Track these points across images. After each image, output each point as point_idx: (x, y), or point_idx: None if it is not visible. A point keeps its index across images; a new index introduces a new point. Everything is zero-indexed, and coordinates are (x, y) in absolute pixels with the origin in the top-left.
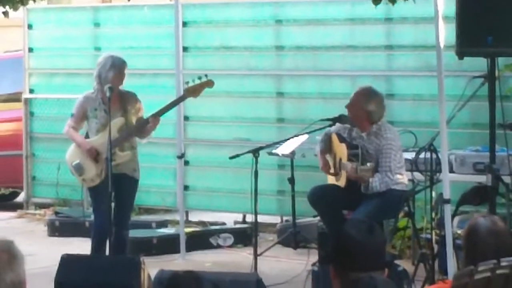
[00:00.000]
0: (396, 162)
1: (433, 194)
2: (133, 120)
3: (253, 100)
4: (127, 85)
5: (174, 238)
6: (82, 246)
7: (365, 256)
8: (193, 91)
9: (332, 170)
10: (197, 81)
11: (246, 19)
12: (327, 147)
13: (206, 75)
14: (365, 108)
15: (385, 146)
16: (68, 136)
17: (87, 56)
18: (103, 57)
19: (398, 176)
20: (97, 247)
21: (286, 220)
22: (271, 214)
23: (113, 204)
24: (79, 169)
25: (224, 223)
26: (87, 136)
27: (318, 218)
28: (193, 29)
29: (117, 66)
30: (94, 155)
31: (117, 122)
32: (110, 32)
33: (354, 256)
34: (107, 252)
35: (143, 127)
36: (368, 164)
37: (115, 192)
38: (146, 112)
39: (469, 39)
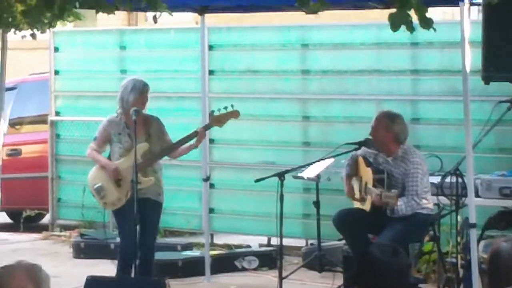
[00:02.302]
0: (423, 186)
1: (459, 218)
2: (157, 144)
3: (278, 123)
4: (152, 108)
5: (199, 261)
6: (107, 268)
7: (390, 278)
8: (218, 121)
9: (357, 196)
10: (223, 111)
11: (273, 42)
12: (353, 171)
13: (232, 105)
14: (390, 129)
15: (412, 170)
16: (91, 158)
17: (112, 79)
18: (126, 80)
19: (424, 200)
20: (123, 270)
21: (311, 244)
22: (296, 237)
23: (138, 227)
24: (100, 192)
25: (249, 246)
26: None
27: (343, 241)
28: (219, 52)
29: (138, 89)
30: (118, 176)
31: (141, 147)
32: (136, 55)
33: (379, 278)
34: (132, 275)
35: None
36: (393, 190)
37: (141, 217)
38: (170, 136)
39: (495, 64)
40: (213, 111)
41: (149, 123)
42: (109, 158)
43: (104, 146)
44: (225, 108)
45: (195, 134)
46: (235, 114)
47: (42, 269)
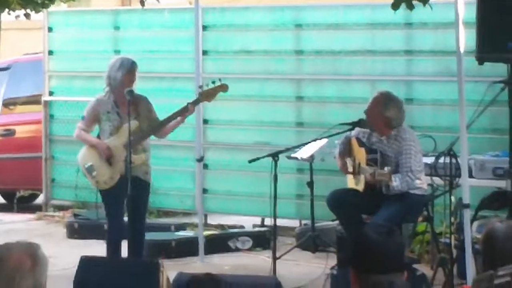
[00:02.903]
0: (416, 162)
1: (453, 199)
2: (145, 123)
3: (272, 104)
4: (146, 88)
5: (193, 241)
6: (101, 248)
7: (385, 258)
8: (207, 95)
9: (350, 169)
10: (211, 85)
11: (266, 23)
12: (346, 150)
13: (220, 79)
14: (384, 114)
15: (405, 147)
16: (80, 138)
17: (106, 59)
18: (114, 59)
19: (418, 181)
20: (113, 251)
21: (305, 224)
22: (290, 218)
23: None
24: (92, 171)
25: (242, 227)
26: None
27: (337, 222)
28: (213, 33)
29: (126, 66)
30: (110, 155)
31: (131, 125)
32: (130, 35)
33: (374, 257)
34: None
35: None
36: (386, 168)
37: (130, 197)
38: (163, 116)
39: (489, 45)
40: (201, 86)
41: (137, 102)
42: (98, 137)
43: (92, 126)
44: (213, 82)
45: (185, 109)
46: (223, 88)
47: (41, 248)
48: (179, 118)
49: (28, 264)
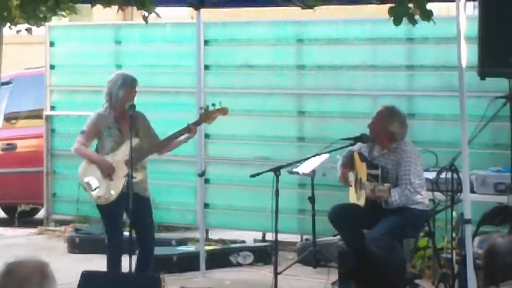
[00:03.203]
0: (416, 175)
1: (454, 214)
2: (145, 140)
3: (274, 118)
4: (148, 102)
5: (194, 256)
6: (102, 262)
7: (387, 273)
8: (207, 117)
9: (351, 181)
10: (211, 108)
11: (268, 37)
12: (349, 163)
13: (220, 102)
14: (388, 129)
15: (404, 159)
16: (80, 153)
17: (108, 74)
18: (115, 75)
19: (419, 195)
20: (114, 265)
21: (306, 239)
22: (291, 233)
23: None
24: (93, 186)
25: (244, 241)
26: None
27: (338, 237)
28: (215, 47)
29: (128, 84)
30: (112, 172)
31: (132, 142)
32: (131, 49)
33: (376, 273)
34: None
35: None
36: (385, 184)
37: (132, 213)
38: (165, 130)
39: (491, 60)
40: (201, 108)
41: (136, 118)
42: (96, 151)
43: (92, 140)
44: (213, 105)
45: (187, 130)
46: (223, 111)
47: (49, 266)
48: (182, 138)
49: (37, 278)
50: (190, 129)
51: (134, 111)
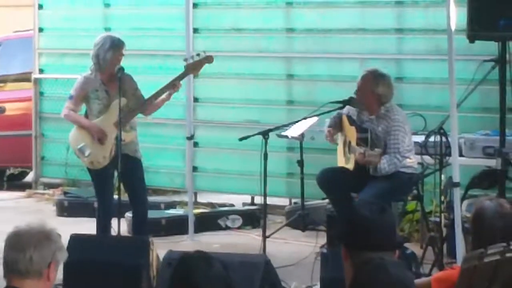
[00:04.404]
0: (405, 144)
1: (442, 177)
2: (132, 100)
3: (263, 82)
4: (137, 66)
5: (183, 219)
6: (90, 226)
7: (377, 235)
8: (193, 68)
9: (339, 144)
10: (196, 58)
11: (257, 1)
12: (337, 125)
13: (204, 52)
14: (374, 91)
15: (393, 127)
16: (70, 119)
17: (97, 37)
18: (101, 37)
19: (407, 159)
20: (103, 229)
21: (295, 202)
22: (280, 196)
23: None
24: (85, 152)
25: (232, 205)
26: (86, 118)
27: (327, 200)
28: (204, 10)
29: (116, 47)
30: (104, 136)
31: (120, 102)
32: (120, 12)
33: (367, 235)
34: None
35: (158, 96)
36: (376, 149)
37: (123, 175)
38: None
39: (480, 23)
40: (186, 59)
41: (123, 80)
42: (86, 115)
43: (81, 104)
44: (198, 55)
45: (170, 86)
46: (209, 59)
47: (56, 233)
48: (164, 95)
49: (38, 237)
50: (174, 85)
51: (123, 74)
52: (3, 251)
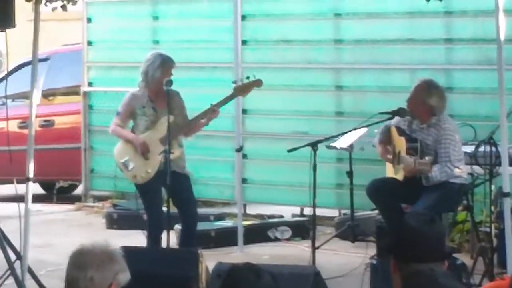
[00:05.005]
0: (456, 153)
1: (492, 187)
2: (179, 118)
3: (311, 93)
4: (185, 78)
5: (232, 231)
6: (139, 238)
7: (426, 247)
8: (242, 90)
9: (390, 157)
10: (245, 81)
11: (305, 12)
12: (386, 139)
13: (254, 75)
14: (427, 102)
15: (444, 136)
16: (116, 134)
17: (145, 49)
18: (152, 54)
19: (457, 169)
20: (154, 242)
21: (344, 214)
22: (329, 207)
23: (172, 200)
24: (129, 166)
25: (282, 216)
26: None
27: (376, 211)
28: (252, 22)
29: (166, 65)
30: (146, 150)
31: (167, 119)
32: (168, 25)
33: (416, 246)
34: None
35: (200, 119)
36: (427, 158)
37: (172, 190)
38: (202, 106)
39: None
40: (235, 82)
41: (171, 97)
42: (132, 131)
43: (128, 121)
44: (247, 78)
45: (210, 111)
46: (258, 83)
47: (119, 254)
48: (203, 120)
49: (101, 257)
50: (213, 110)
51: (170, 88)
52: (66, 269)
